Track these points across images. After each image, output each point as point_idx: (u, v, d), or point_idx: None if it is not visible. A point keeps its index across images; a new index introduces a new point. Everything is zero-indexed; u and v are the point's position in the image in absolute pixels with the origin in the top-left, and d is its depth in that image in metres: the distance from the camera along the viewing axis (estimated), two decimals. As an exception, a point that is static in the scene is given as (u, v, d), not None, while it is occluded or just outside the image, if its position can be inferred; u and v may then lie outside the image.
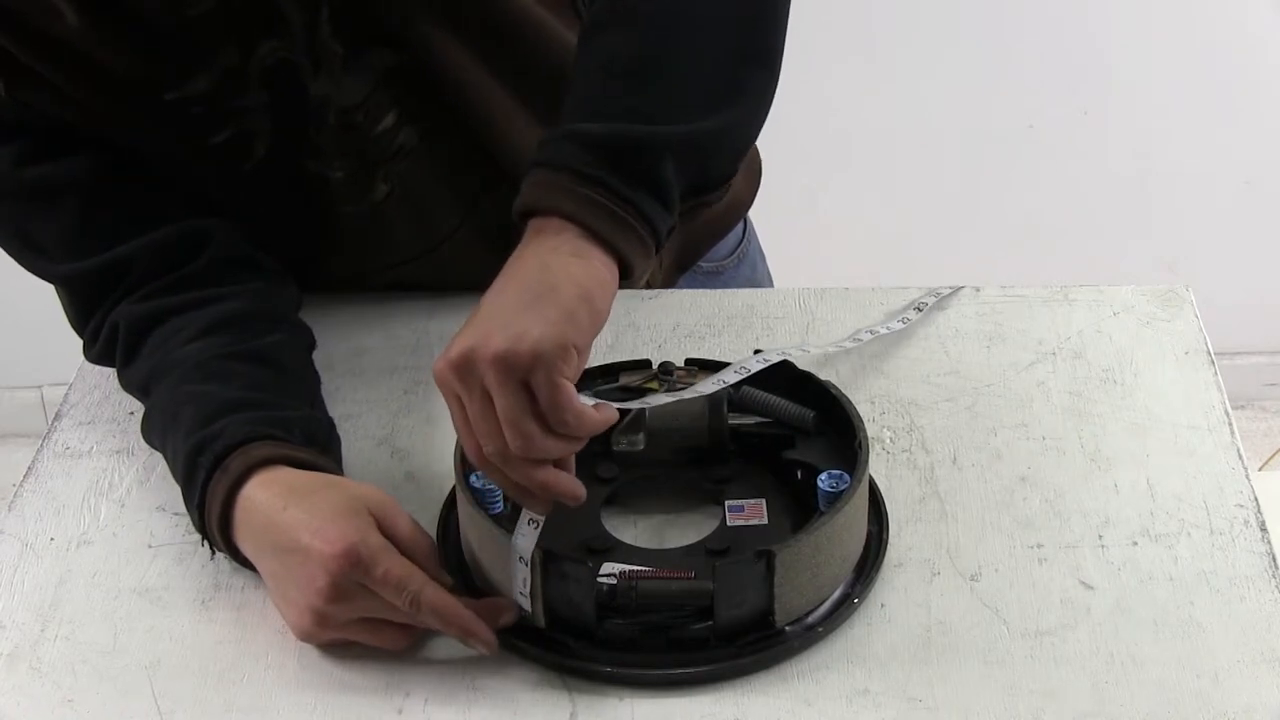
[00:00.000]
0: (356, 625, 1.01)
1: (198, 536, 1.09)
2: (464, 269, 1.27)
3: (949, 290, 1.30)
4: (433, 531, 1.08)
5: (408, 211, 1.25)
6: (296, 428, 1.09)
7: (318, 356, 1.24)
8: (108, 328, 1.19)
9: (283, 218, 1.24)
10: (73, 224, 1.18)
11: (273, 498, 1.02)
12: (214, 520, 1.04)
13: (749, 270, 1.48)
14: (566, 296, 0.98)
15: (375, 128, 1.20)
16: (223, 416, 1.08)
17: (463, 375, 0.97)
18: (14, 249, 1.21)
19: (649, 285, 1.38)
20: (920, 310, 1.27)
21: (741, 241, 1.48)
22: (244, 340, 1.16)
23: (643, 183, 1.02)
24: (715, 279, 1.45)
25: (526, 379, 0.96)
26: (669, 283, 1.40)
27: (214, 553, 1.08)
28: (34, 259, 1.20)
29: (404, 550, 1.01)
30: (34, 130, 1.16)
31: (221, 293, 1.19)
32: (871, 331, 1.25)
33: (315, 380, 1.20)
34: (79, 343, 1.29)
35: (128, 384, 1.19)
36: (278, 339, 1.18)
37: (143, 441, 1.18)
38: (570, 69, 1.11)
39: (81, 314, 1.21)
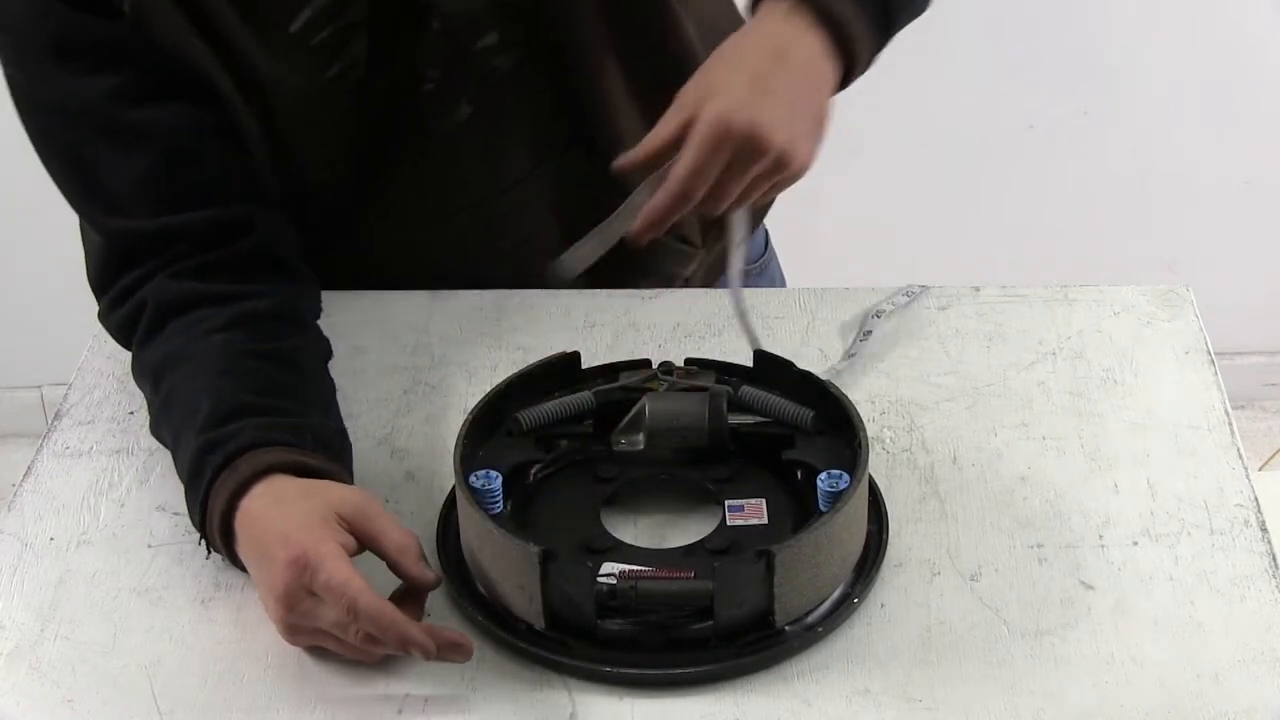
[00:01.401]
0: (322, 634, 1.00)
1: (197, 536, 1.09)
2: (518, 228, 1.29)
3: (904, 296, 1.29)
4: (433, 531, 1.08)
5: (484, 143, 1.25)
6: (309, 433, 1.08)
7: (318, 356, 1.24)
8: (135, 300, 1.17)
9: (362, 136, 1.23)
10: (142, 177, 1.16)
11: (264, 507, 1.02)
12: (215, 522, 1.04)
13: (766, 283, 1.50)
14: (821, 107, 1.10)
15: (475, 43, 1.20)
16: (238, 418, 1.07)
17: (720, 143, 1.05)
18: (70, 184, 1.18)
19: (688, 283, 1.39)
20: (879, 316, 1.27)
21: (765, 252, 1.50)
22: (265, 340, 1.15)
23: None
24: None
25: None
26: (710, 281, 1.42)
27: (209, 553, 1.08)
28: (87, 200, 1.18)
29: (387, 554, 1.01)
30: (140, 67, 1.14)
31: (249, 290, 1.17)
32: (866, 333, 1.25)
33: (331, 388, 1.19)
34: (79, 343, 1.29)
35: (141, 365, 1.17)
36: (297, 343, 1.18)
37: (142, 441, 1.18)
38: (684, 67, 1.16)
39: (112, 272, 1.18)
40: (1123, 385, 1.21)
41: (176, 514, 1.12)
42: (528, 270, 1.30)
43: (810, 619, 1.01)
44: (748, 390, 1.13)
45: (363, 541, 1.01)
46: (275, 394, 1.11)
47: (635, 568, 1.01)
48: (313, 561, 0.97)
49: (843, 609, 1.02)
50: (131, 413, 1.22)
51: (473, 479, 1.05)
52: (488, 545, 1.02)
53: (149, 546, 1.10)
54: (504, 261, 1.33)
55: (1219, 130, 2.59)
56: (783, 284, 1.53)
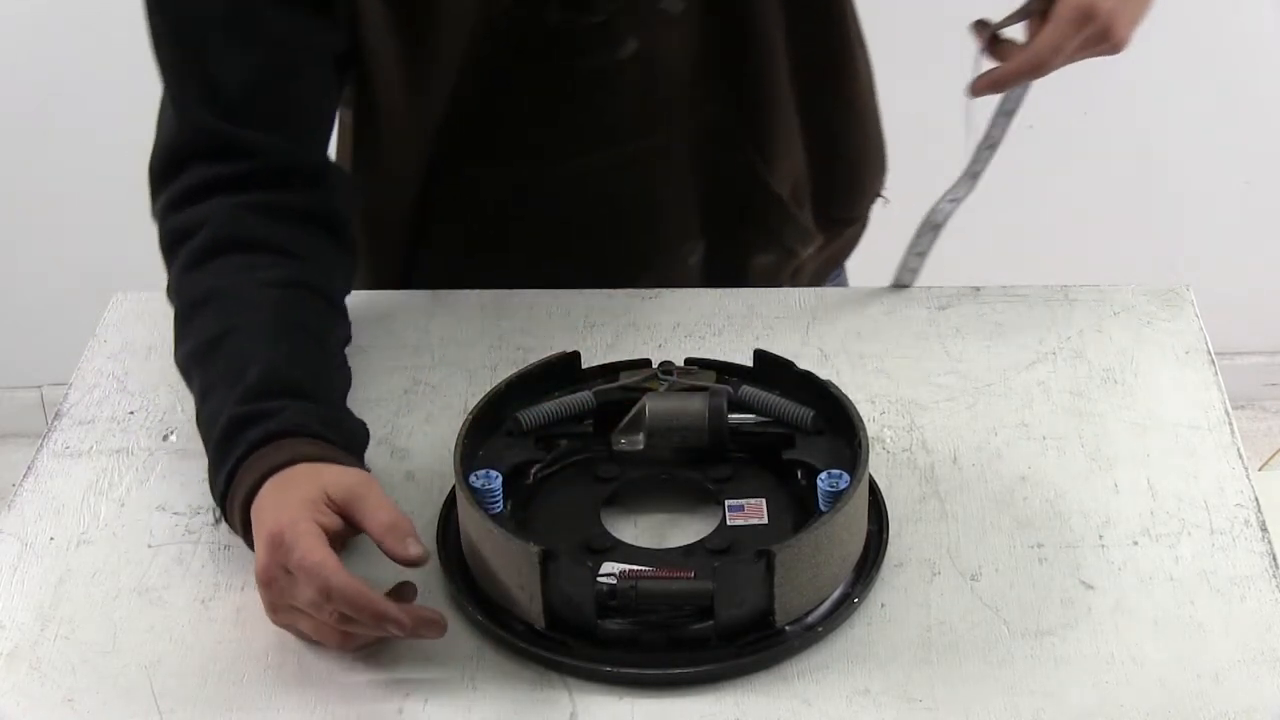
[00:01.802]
0: (300, 615, 1.00)
1: (196, 536, 1.09)
2: (643, 180, 1.31)
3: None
4: (433, 531, 1.08)
5: (639, 83, 1.27)
6: (344, 428, 1.09)
7: (318, 356, 1.24)
8: (194, 214, 1.16)
9: (516, 64, 1.24)
10: (248, 80, 1.16)
11: (272, 489, 1.03)
12: (240, 495, 1.04)
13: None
14: None
15: None
16: (282, 397, 1.07)
17: None
18: (175, 59, 1.18)
19: (796, 275, 1.42)
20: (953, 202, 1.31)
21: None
22: (312, 314, 1.16)
23: None
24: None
25: None
26: (820, 280, 1.45)
27: (218, 521, 1.08)
28: (185, 80, 1.17)
29: (372, 534, 1.01)
30: None
31: (306, 250, 1.17)
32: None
33: (349, 377, 1.20)
34: (79, 343, 1.29)
35: (183, 287, 1.16)
36: (331, 324, 1.19)
37: (142, 441, 1.18)
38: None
39: (178, 166, 1.18)
40: (1123, 385, 1.21)
41: (176, 514, 1.12)
42: (631, 241, 1.34)
43: (810, 619, 1.01)
44: (748, 390, 1.13)
45: (350, 523, 1.02)
46: (316, 378, 1.12)
47: (635, 568, 1.01)
48: (288, 540, 0.98)
49: (843, 609, 1.02)
50: (131, 412, 1.22)
51: (473, 479, 1.05)
52: (488, 545, 1.02)
53: (149, 546, 1.10)
54: (615, 218, 1.34)
55: (1219, 130, 2.59)
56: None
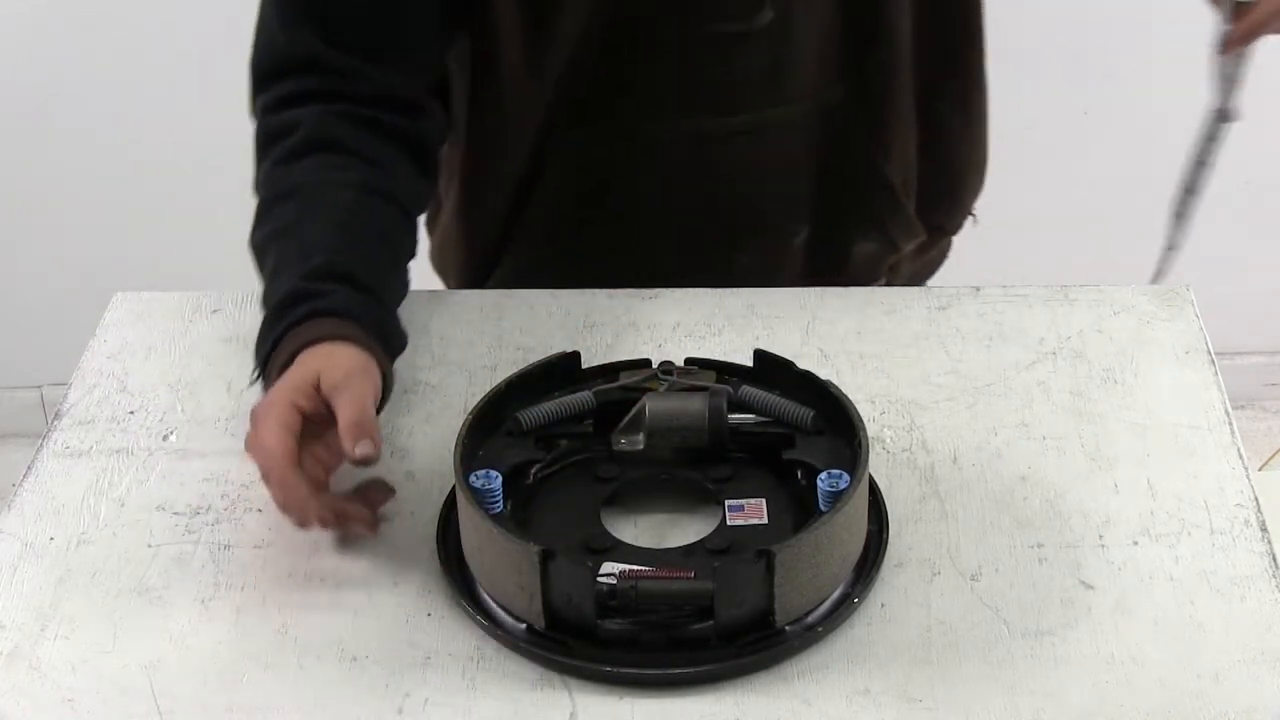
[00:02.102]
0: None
1: (196, 536, 1.09)
2: (765, 161, 1.33)
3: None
4: (432, 531, 1.08)
5: (770, 54, 1.28)
6: (386, 328, 1.17)
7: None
8: (289, 117, 1.23)
9: (636, 32, 1.27)
10: (360, 15, 1.22)
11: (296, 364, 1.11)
12: (278, 363, 1.11)
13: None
14: None
15: None
16: (339, 282, 1.14)
17: None
18: None
19: (893, 272, 1.44)
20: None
21: None
22: (388, 222, 1.22)
23: None
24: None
25: None
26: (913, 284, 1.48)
27: (255, 381, 1.15)
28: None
29: (340, 429, 1.05)
30: None
31: (394, 167, 1.24)
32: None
33: (405, 292, 1.25)
34: (79, 343, 1.29)
35: (272, 179, 1.22)
36: (406, 242, 1.25)
37: (142, 441, 1.19)
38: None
39: (279, 74, 1.24)
40: (1123, 385, 1.21)
41: (176, 514, 1.12)
42: (737, 215, 1.36)
43: (810, 619, 1.01)
44: (748, 390, 1.13)
45: (328, 411, 1.08)
46: (376, 275, 1.18)
47: (635, 568, 1.01)
48: (258, 416, 1.06)
49: (843, 609, 1.02)
50: (131, 412, 1.22)
51: (473, 479, 1.05)
52: (488, 545, 1.02)
53: (149, 546, 1.10)
54: (725, 189, 1.35)
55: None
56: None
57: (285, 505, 1.05)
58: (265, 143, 1.24)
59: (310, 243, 1.17)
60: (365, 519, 1.08)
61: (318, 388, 1.07)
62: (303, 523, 1.06)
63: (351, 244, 1.18)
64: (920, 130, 1.39)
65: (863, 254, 1.41)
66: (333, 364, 1.09)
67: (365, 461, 1.05)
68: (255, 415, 1.07)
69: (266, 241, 1.20)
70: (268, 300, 1.16)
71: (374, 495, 1.10)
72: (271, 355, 1.12)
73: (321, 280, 1.14)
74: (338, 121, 1.22)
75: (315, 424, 1.07)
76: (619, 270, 1.35)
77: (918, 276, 1.52)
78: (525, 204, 1.38)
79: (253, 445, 1.06)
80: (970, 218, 1.53)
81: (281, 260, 1.17)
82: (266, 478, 1.05)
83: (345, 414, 1.06)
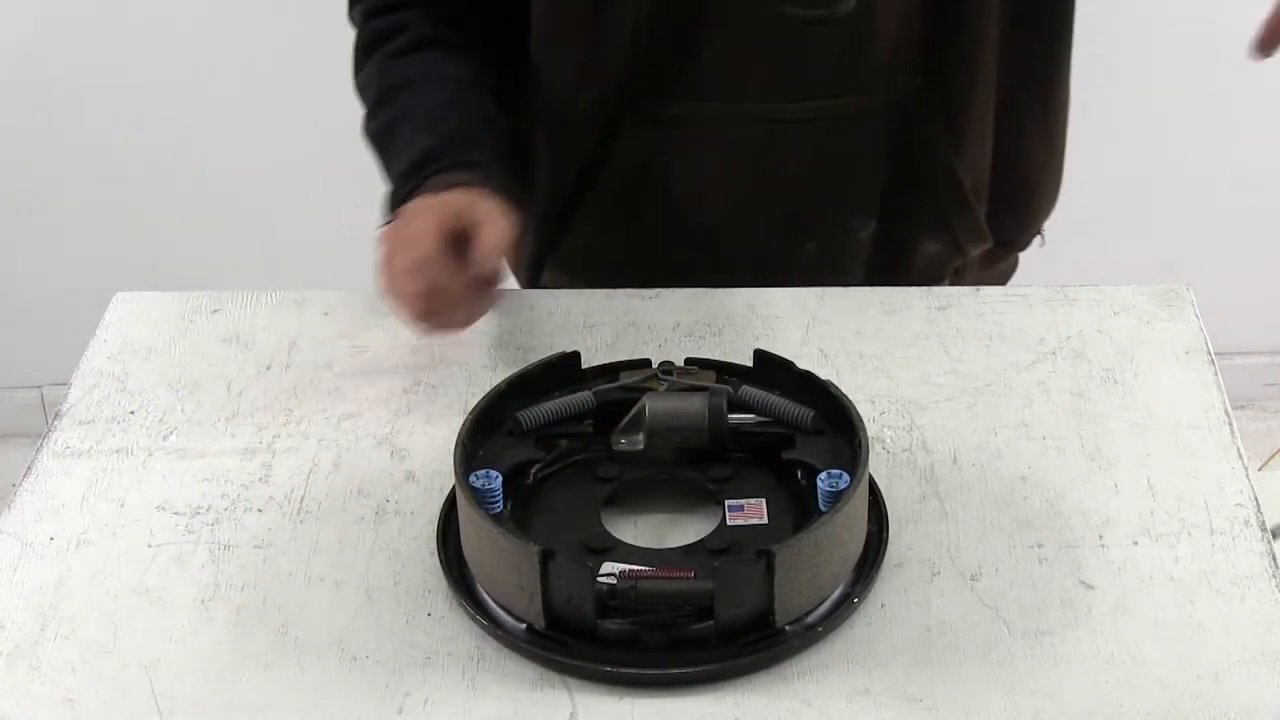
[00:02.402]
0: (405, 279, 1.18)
1: (196, 536, 1.09)
2: (837, 150, 1.34)
3: None
4: (432, 531, 1.08)
5: (850, 42, 1.29)
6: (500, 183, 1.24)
7: (318, 355, 1.25)
8: (394, 21, 1.33)
9: (713, 8, 1.28)
10: None
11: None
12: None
13: None
14: None
15: None
16: (468, 148, 1.25)
17: None
18: None
19: (959, 274, 1.44)
20: None
21: None
22: (496, 108, 1.32)
23: None
24: None
25: None
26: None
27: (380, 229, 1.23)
28: None
29: (475, 244, 1.17)
30: None
31: (491, 64, 1.34)
32: None
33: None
34: (79, 343, 1.29)
35: (386, 71, 1.32)
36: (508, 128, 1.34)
37: (142, 441, 1.19)
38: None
39: None
40: (1123, 385, 1.21)
41: (176, 514, 1.12)
42: (805, 203, 1.37)
43: (810, 619, 1.01)
44: (748, 390, 1.13)
45: (464, 235, 1.17)
46: (496, 156, 1.29)
47: (635, 568, 1.01)
48: (408, 212, 1.19)
49: (843, 609, 1.02)
50: (131, 412, 1.22)
51: (473, 479, 1.05)
52: (488, 545, 1.02)
53: (149, 546, 1.10)
54: (794, 176, 1.36)
55: (1219, 130, 2.59)
56: None
57: (425, 292, 1.16)
58: (371, 43, 1.34)
59: (438, 117, 1.27)
60: (495, 297, 1.21)
61: (455, 213, 1.17)
62: (432, 310, 1.17)
63: (474, 122, 1.28)
64: (996, 133, 1.39)
65: (927, 254, 1.41)
66: (476, 196, 1.19)
67: (491, 281, 1.18)
68: (402, 213, 1.19)
69: (392, 123, 1.29)
70: (398, 164, 1.25)
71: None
72: (409, 195, 1.21)
73: (455, 144, 1.24)
74: (440, 24, 1.32)
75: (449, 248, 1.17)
76: (681, 256, 1.37)
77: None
78: (588, 185, 1.39)
79: (396, 233, 1.17)
80: (1039, 236, 1.52)
81: (413, 131, 1.27)
82: (405, 263, 1.15)
83: (489, 237, 1.16)
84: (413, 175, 1.24)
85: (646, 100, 1.33)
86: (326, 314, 1.31)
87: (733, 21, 1.29)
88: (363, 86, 1.35)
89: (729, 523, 1.07)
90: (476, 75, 1.33)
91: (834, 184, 1.36)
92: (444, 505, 1.10)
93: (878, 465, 1.13)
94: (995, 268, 1.50)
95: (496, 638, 1.01)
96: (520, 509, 1.08)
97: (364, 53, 1.35)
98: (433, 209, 1.19)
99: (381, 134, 1.31)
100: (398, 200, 1.24)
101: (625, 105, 1.34)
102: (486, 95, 1.33)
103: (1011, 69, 1.36)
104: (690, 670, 0.98)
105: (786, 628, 1.00)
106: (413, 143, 1.27)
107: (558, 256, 1.43)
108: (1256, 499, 1.10)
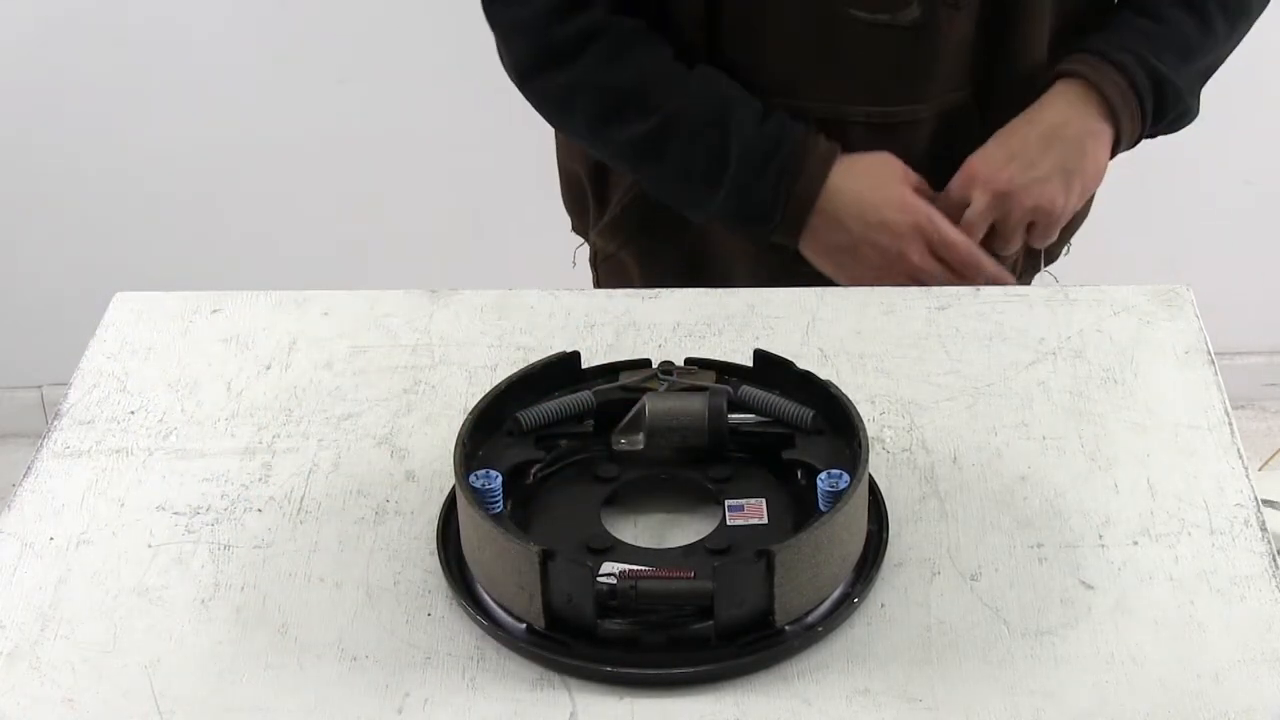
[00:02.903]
0: (900, 274, 1.33)
1: (196, 536, 1.09)
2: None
3: None
4: (432, 531, 1.08)
5: (909, 52, 1.32)
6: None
7: (317, 355, 1.25)
8: (589, 19, 1.35)
9: (769, 11, 1.33)
10: None
11: (851, 182, 1.32)
12: (798, 197, 1.31)
13: None
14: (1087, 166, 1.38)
15: None
16: (767, 121, 1.32)
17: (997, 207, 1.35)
18: None
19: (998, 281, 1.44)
20: None
21: None
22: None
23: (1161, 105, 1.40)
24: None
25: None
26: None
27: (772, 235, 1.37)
28: None
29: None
30: None
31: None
32: None
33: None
34: (79, 343, 1.29)
35: (612, 76, 1.35)
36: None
37: (142, 441, 1.18)
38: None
39: None
40: (1123, 385, 1.21)
41: (176, 514, 1.12)
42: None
43: (810, 619, 1.01)
44: (748, 390, 1.13)
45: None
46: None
47: (635, 568, 1.01)
48: (936, 223, 1.33)
49: (843, 609, 1.02)
50: (131, 412, 1.22)
51: (473, 479, 1.05)
52: (488, 545, 1.02)
53: (149, 546, 1.10)
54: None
55: (1219, 130, 2.58)
56: None
57: (974, 269, 1.33)
58: (574, 46, 1.34)
59: (712, 101, 1.32)
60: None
61: (914, 188, 1.30)
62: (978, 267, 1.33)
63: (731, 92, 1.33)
64: None
65: None
66: (897, 167, 1.31)
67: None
68: (926, 220, 1.33)
69: (661, 129, 1.33)
70: (709, 169, 1.32)
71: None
72: (785, 207, 1.31)
73: (758, 128, 1.31)
74: (629, 18, 1.35)
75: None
76: (730, 242, 1.42)
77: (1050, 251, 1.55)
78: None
79: (947, 244, 1.32)
80: (1066, 248, 1.54)
81: (692, 132, 1.32)
82: (967, 268, 1.32)
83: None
84: (762, 177, 1.31)
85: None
86: (326, 314, 1.31)
87: (798, 17, 1.31)
88: (577, 92, 1.37)
89: (729, 523, 1.07)
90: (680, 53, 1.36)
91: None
92: (444, 505, 1.10)
93: (878, 465, 1.13)
94: (1021, 279, 1.52)
95: (496, 638, 1.01)
96: (520, 509, 1.08)
97: (561, 58, 1.36)
98: (929, 211, 1.34)
99: (646, 150, 1.35)
100: (779, 192, 1.32)
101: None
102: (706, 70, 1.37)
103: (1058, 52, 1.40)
104: (690, 670, 0.98)
105: (786, 628, 1.00)
106: (733, 134, 1.32)
107: (613, 216, 1.48)
108: (1256, 499, 1.10)
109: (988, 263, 1.33)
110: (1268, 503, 1.13)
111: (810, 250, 1.38)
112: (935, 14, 1.31)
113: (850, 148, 1.38)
